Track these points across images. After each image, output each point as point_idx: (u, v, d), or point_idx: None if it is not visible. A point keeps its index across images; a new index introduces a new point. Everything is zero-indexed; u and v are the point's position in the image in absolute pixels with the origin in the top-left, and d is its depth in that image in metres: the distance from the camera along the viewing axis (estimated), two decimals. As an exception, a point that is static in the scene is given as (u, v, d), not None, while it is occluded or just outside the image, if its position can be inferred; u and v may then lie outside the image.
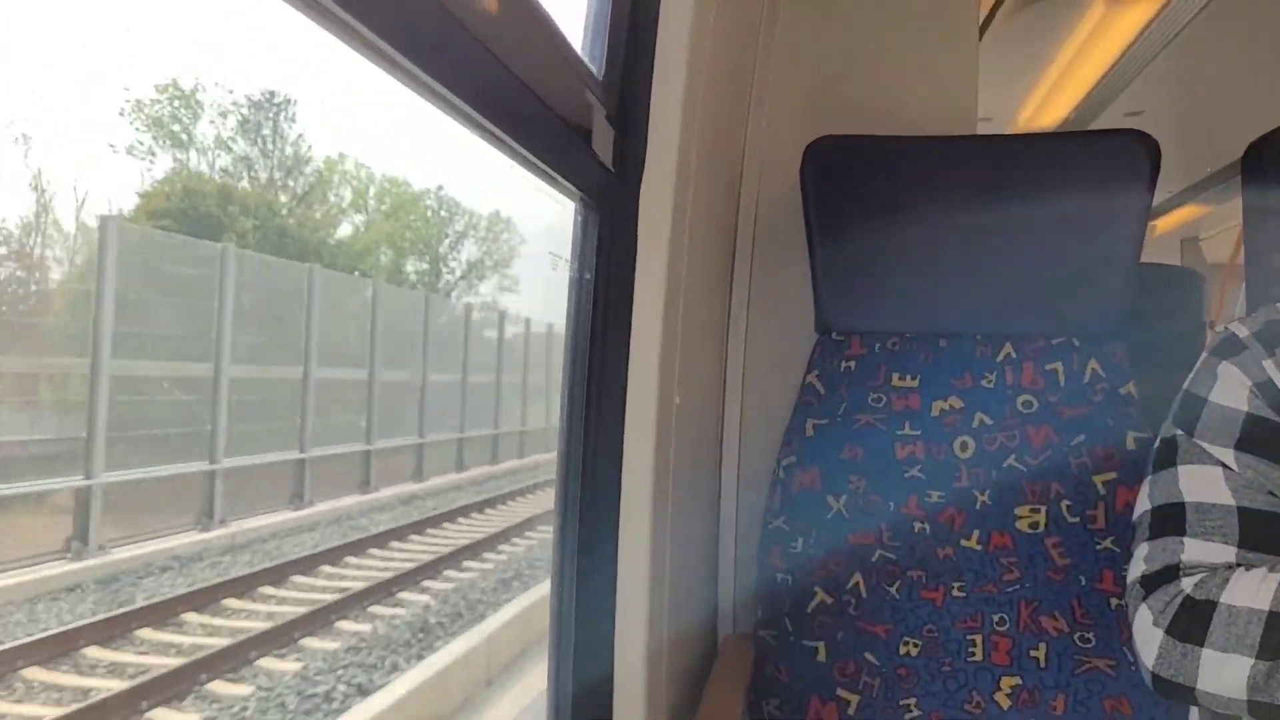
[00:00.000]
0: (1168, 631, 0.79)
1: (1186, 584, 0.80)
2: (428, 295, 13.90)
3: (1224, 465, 0.83)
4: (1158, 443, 0.91)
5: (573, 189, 0.95)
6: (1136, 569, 0.85)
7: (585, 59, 0.92)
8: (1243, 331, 0.89)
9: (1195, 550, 0.81)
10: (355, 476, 9.96)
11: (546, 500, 7.34)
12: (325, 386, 9.66)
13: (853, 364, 1.30)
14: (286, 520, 7.97)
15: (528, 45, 0.73)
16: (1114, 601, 1.13)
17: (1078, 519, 1.16)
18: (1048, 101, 3.46)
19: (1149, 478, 0.90)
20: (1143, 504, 0.89)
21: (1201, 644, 0.77)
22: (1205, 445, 0.85)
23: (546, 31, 0.77)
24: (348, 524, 8.26)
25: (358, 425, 10.24)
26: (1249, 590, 0.75)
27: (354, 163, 20.15)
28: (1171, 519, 0.84)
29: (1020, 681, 1.13)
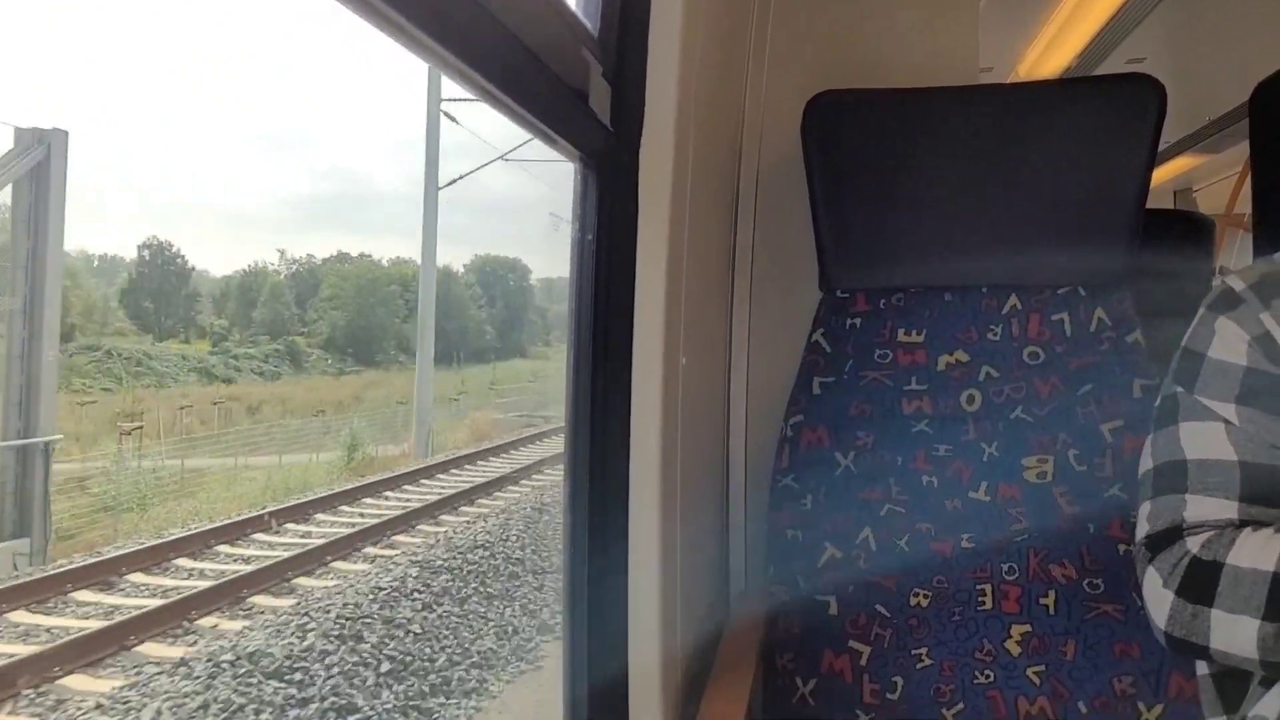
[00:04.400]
0: (1177, 593, 0.79)
1: (1192, 544, 0.79)
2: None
3: (1225, 420, 0.83)
4: (1159, 400, 0.90)
5: (572, 149, 0.94)
6: (1141, 529, 0.85)
7: (580, 15, 0.90)
8: (1239, 285, 0.87)
9: (1197, 507, 0.81)
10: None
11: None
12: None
13: (858, 321, 1.29)
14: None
15: (522, 0, 0.72)
16: (1122, 548, 1.13)
17: (1085, 467, 1.16)
18: (1049, 50, 3.42)
19: (1150, 436, 0.89)
20: (1145, 462, 0.88)
21: (1211, 605, 0.76)
22: (1206, 401, 0.84)
23: (541, -13, 0.76)
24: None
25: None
26: (1254, 551, 0.75)
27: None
28: (1174, 477, 0.84)
29: (1030, 629, 1.14)
